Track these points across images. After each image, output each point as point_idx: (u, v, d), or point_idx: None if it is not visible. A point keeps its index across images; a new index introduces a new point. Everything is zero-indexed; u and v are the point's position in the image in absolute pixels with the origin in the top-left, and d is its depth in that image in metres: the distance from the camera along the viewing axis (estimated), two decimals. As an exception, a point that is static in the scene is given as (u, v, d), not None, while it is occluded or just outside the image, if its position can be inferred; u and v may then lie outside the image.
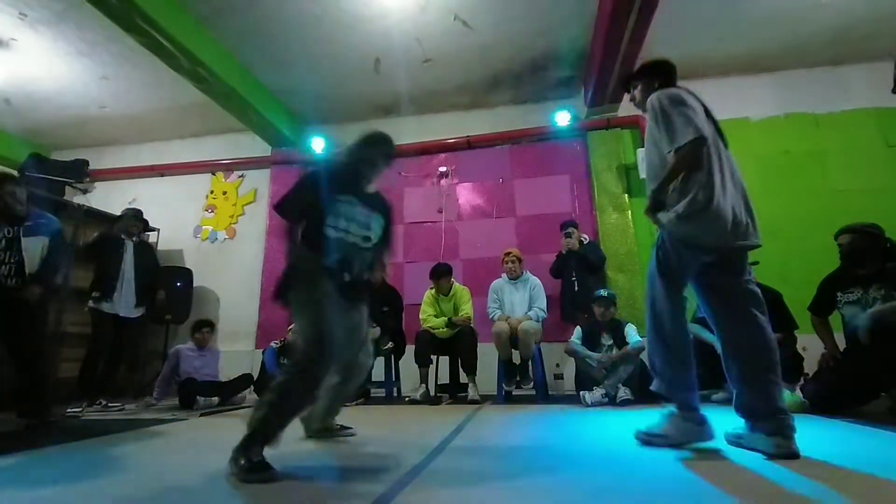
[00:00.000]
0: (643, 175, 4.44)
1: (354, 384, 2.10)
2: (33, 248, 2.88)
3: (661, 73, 1.99)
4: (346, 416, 2.96)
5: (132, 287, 3.75)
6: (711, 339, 3.03)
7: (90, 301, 3.58)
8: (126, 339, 3.73)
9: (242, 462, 1.44)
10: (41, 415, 2.78)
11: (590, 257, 4.07)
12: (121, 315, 3.66)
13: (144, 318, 4.00)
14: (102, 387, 3.57)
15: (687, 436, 1.76)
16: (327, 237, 1.76)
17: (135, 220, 3.96)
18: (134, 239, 3.92)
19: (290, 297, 1.73)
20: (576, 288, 3.97)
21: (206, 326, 4.02)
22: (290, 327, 4.23)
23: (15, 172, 5.65)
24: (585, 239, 4.23)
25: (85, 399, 3.37)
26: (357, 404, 3.55)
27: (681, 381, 1.80)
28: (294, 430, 1.86)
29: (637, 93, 2.05)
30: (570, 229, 4.13)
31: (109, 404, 3.51)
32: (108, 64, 4.51)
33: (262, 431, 1.53)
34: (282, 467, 1.54)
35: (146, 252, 4.09)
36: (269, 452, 1.52)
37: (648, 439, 1.82)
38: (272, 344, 4.14)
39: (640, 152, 4.56)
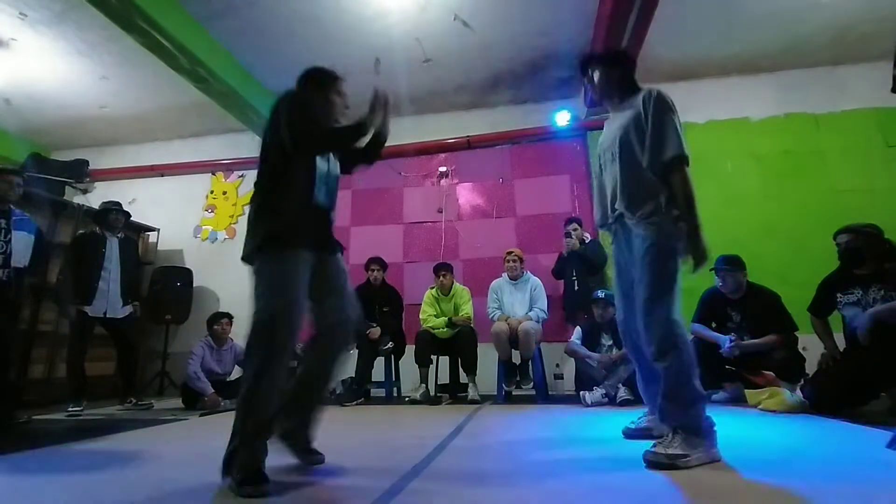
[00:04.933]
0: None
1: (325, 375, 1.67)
2: (20, 242, 2.94)
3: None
4: (347, 415, 2.98)
5: (118, 286, 3.57)
6: (713, 338, 3.05)
7: (75, 303, 3.42)
8: (120, 339, 3.64)
9: (237, 474, 1.30)
10: (7, 417, 2.76)
11: (590, 258, 3.97)
12: (108, 316, 3.50)
13: (140, 317, 3.92)
14: (130, 386, 3.60)
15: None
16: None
17: (117, 214, 3.68)
18: (119, 235, 3.72)
19: None
20: (576, 287, 3.92)
21: (224, 317, 3.90)
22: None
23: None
24: (587, 237, 4.12)
25: (83, 398, 3.33)
26: (357, 404, 3.55)
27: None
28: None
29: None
30: (570, 228, 4.04)
31: (139, 402, 3.53)
32: (108, 64, 4.51)
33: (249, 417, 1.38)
34: (282, 467, 1.54)
35: (130, 248, 3.88)
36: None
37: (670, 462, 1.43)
38: None
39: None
